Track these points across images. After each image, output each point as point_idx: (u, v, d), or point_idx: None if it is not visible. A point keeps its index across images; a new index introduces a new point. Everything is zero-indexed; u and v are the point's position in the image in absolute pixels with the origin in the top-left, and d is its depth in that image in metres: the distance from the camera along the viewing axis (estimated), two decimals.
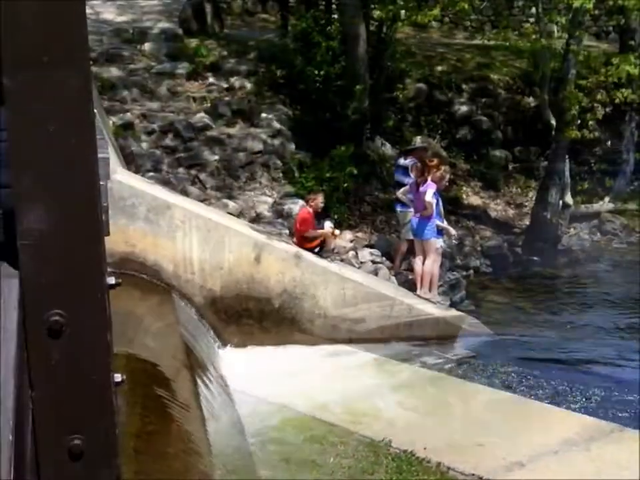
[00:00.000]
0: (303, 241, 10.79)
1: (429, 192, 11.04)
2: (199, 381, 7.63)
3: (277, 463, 7.67)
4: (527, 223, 14.86)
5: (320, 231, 10.96)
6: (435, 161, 11.60)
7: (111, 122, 13.06)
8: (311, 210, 11.08)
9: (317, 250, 10.82)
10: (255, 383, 9.18)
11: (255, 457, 7.57)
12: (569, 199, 14.55)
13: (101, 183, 2.70)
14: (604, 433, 8.11)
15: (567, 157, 14.36)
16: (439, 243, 11.37)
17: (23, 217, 2.48)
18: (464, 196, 15.34)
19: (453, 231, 12.01)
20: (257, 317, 10.29)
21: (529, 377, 9.72)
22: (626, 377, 9.71)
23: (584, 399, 9.11)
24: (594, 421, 8.38)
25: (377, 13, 14.84)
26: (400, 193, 11.99)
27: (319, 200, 11.19)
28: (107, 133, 10.59)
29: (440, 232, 11.43)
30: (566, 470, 7.31)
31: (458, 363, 10.18)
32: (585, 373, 9.99)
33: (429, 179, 11.18)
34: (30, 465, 2.52)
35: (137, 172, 11.97)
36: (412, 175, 11.86)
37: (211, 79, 15.20)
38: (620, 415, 8.67)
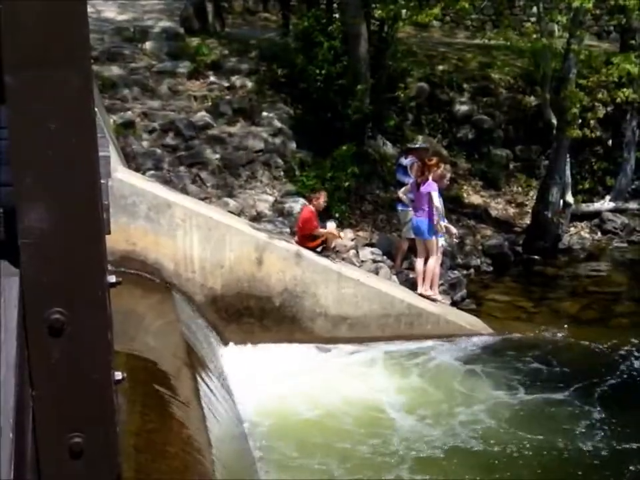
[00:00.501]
0: (305, 240, 10.76)
1: (434, 194, 11.01)
2: (199, 379, 7.63)
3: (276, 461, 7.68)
4: (528, 221, 14.82)
5: (324, 231, 10.91)
6: (434, 160, 11.58)
7: (111, 120, 13.05)
8: (313, 209, 11.02)
9: (318, 249, 10.80)
10: (256, 381, 9.19)
11: (255, 457, 7.58)
12: (569, 197, 14.52)
13: (102, 181, 2.70)
14: None
15: (567, 155, 14.33)
16: (440, 241, 11.36)
17: (23, 216, 2.48)
18: (465, 195, 15.32)
19: (454, 230, 11.99)
20: (258, 315, 10.29)
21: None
22: None
23: None
24: None
25: (378, 13, 14.79)
26: (401, 192, 11.98)
27: (322, 199, 11.12)
28: (108, 131, 10.59)
29: None
30: None
31: (459, 361, 10.18)
32: None
33: (430, 178, 11.17)
34: (31, 463, 2.52)
35: (137, 170, 11.96)
36: (411, 174, 11.87)
37: (212, 78, 15.18)
38: None
